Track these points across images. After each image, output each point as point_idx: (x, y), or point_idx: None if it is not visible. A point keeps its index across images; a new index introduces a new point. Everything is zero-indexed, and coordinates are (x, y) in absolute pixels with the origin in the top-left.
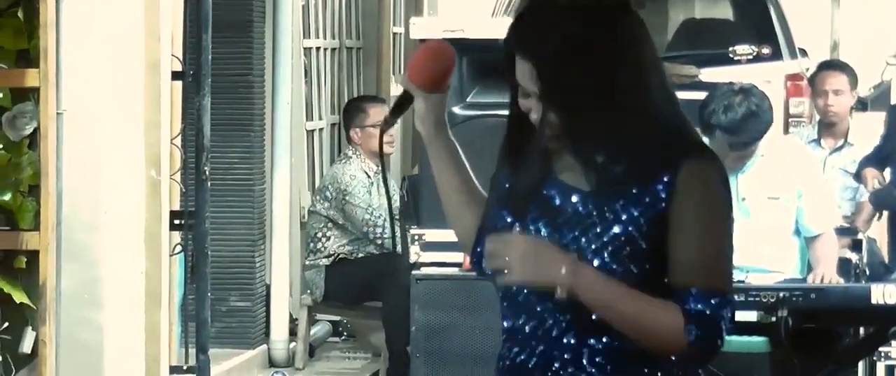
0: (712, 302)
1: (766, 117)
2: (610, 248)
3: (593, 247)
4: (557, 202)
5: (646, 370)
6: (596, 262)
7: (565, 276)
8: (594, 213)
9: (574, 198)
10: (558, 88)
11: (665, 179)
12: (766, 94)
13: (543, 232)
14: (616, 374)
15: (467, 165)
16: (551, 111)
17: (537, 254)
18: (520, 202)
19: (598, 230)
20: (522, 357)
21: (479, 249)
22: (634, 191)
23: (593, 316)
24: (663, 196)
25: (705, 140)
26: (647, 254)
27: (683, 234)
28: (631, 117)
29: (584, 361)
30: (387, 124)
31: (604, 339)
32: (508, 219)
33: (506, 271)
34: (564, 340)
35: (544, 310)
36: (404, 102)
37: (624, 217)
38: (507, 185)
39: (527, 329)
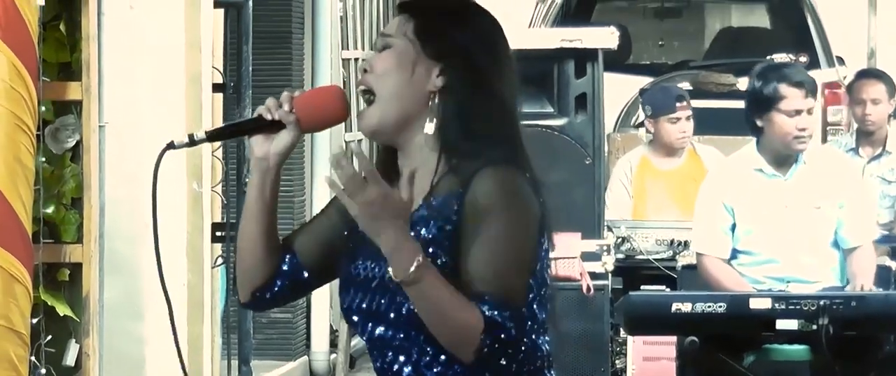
0: (504, 313)
1: None
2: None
3: None
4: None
5: None
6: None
7: (415, 270)
8: None
9: None
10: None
11: (457, 195)
12: None
13: (371, 266)
14: None
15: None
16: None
17: (393, 222)
18: (351, 244)
19: None
20: None
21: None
22: (430, 210)
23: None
24: (455, 209)
25: (785, 104)
26: (451, 270)
27: (472, 246)
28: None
29: None
30: (214, 138)
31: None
32: (359, 265)
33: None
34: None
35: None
36: (265, 127)
37: (427, 237)
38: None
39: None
